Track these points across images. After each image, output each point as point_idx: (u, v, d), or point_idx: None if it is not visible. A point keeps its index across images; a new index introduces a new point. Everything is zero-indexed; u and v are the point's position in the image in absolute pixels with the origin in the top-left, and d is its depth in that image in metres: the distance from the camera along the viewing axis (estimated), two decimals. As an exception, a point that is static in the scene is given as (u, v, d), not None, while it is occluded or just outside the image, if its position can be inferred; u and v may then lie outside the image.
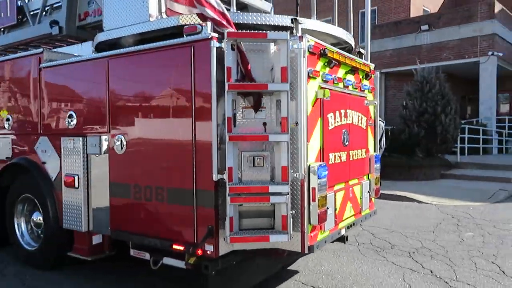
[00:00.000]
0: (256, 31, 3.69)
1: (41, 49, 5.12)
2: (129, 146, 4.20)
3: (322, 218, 3.83)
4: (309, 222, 3.78)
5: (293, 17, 3.85)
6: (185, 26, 3.76)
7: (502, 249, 6.14)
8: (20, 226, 5.64)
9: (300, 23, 3.82)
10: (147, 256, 4.19)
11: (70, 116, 4.74)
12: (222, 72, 3.56)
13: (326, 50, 3.93)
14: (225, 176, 3.55)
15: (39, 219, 5.48)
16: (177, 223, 3.89)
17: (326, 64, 4.05)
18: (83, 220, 4.63)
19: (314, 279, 5.02)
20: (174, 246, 3.87)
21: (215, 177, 3.56)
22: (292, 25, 3.85)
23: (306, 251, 3.79)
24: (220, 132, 3.58)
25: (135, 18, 4.21)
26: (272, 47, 3.78)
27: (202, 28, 3.64)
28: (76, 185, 4.64)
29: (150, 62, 4.02)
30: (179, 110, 3.84)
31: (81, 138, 4.60)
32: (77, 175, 4.64)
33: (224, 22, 3.72)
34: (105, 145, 4.40)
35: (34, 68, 5.12)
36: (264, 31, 3.64)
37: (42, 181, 5.07)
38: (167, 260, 4.06)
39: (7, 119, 5.53)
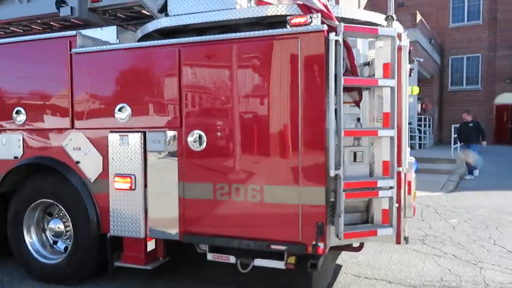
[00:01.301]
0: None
1: (73, 32, 4.44)
2: (210, 142, 3.87)
3: (415, 210, 3.97)
4: (404, 215, 3.90)
5: (389, 14, 3.90)
6: (289, 16, 3.60)
7: (492, 232, 6.92)
8: (31, 237, 4.84)
9: (394, 20, 3.91)
10: (231, 259, 3.94)
11: (122, 109, 4.20)
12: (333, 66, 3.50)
13: (412, 48, 4.08)
14: (340, 172, 3.50)
15: (59, 227, 4.80)
16: (276, 222, 3.71)
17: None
18: (141, 225, 4.16)
19: (362, 271, 5.16)
20: (273, 246, 3.70)
21: (332, 172, 3.48)
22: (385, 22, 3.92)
23: (403, 242, 3.90)
24: (336, 127, 3.51)
25: (218, 4, 3.89)
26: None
27: (311, 20, 3.53)
28: (133, 186, 4.14)
29: (240, 52, 3.76)
30: (280, 104, 3.66)
31: (139, 134, 4.12)
32: (134, 175, 4.14)
33: (331, 15, 3.64)
34: (173, 141, 4.01)
35: (63, 53, 4.42)
36: (375, 27, 3.65)
37: (75, 183, 4.41)
38: (260, 262, 3.86)
39: (17, 112, 4.69)
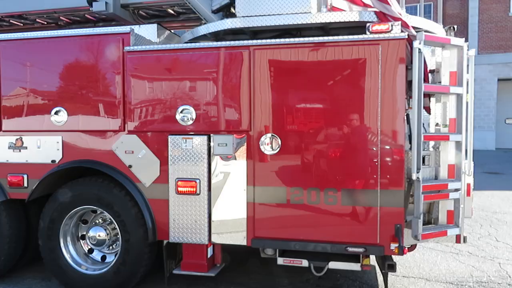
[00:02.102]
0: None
1: (127, 28, 4.20)
2: (285, 146, 3.86)
3: (472, 211, 4.20)
4: (464, 216, 4.11)
5: (451, 25, 4.11)
6: (370, 23, 3.69)
7: (489, 230, 7.45)
8: (68, 246, 4.52)
9: (455, 30, 4.13)
10: (304, 263, 3.94)
11: (184, 111, 4.05)
12: (410, 74, 3.64)
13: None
14: (420, 175, 3.64)
15: (99, 236, 4.52)
16: (353, 225, 3.77)
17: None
18: (206, 231, 4.03)
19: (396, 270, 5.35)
20: (351, 249, 3.76)
21: (415, 176, 3.61)
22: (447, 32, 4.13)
23: (462, 242, 4.11)
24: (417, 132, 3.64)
25: (293, 7, 3.88)
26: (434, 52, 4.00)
27: (392, 27, 3.64)
28: (197, 191, 4.01)
29: (317, 55, 3.78)
30: (359, 108, 3.73)
31: (205, 137, 4.00)
32: (198, 179, 4.01)
33: (408, 24, 3.78)
34: (241, 145, 3.94)
35: (116, 51, 4.18)
36: (447, 37, 3.84)
37: (128, 188, 4.19)
38: (335, 265, 3.89)
39: (57, 112, 4.36)
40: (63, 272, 4.46)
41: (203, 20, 5.83)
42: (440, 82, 3.95)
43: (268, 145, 3.88)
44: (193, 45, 4.13)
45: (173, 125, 4.09)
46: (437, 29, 4.28)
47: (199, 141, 4.01)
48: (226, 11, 4.42)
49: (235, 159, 3.97)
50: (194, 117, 4.04)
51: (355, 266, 3.87)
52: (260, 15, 3.95)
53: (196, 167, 4.02)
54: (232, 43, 3.96)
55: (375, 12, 3.83)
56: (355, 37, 3.71)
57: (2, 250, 4.62)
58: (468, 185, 4.11)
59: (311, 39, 3.78)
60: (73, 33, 4.39)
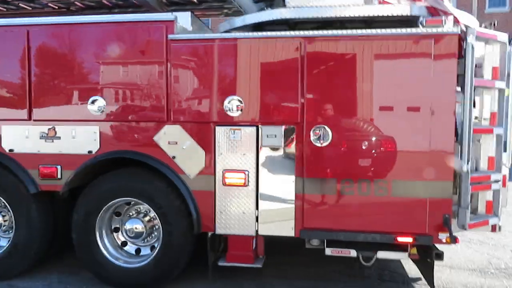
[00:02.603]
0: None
1: (171, 15, 4.09)
2: (335, 138, 3.88)
3: (507, 202, 4.38)
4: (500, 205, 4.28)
5: (491, 21, 4.22)
6: (424, 18, 3.74)
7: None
8: (104, 240, 4.41)
9: (495, 26, 4.25)
10: (352, 253, 4.00)
11: (231, 102, 4.00)
12: (462, 68, 3.74)
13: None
14: (469, 167, 3.76)
15: (136, 228, 4.42)
16: (403, 216, 3.86)
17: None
18: (253, 223, 4.03)
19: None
20: (400, 239, 3.84)
21: (465, 167, 3.72)
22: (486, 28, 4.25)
23: (498, 231, 4.28)
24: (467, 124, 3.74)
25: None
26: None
27: (445, 22, 3.71)
28: (246, 182, 3.99)
29: (370, 48, 3.79)
30: (410, 100, 3.79)
31: (253, 128, 3.97)
32: (247, 171, 3.99)
33: (458, 19, 3.86)
34: (291, 136, 3.94)
35: (159, 39, 4.06)
36: (494, 33, 3.94)
37: (172, 179, 4.11)
38: (383, 254, 3.97)
39: (93, 101, 4.20)
40: (100, 265, 4.35)
41: (225, 10, 5.74)
42: (482, 77, 4.06)
43: (319, 137, 3.89)
44: (241, 35, 4.05)
45: (220, 115, 4.03)
46: (476, 24, 4.39)
47: (248, 132, 3.98)
48: (268, 1, 4.36)
49: (284, 150, 3.97)
50: (242, 107, 4.00)
51: (402, 255, 3.97)
52: (311, 6, 3.93)
53: (244, 158, 3.99)
54: (285, 33, 3.92)
55: (426, 7, 3.89)
56: (409, 30, 3.75)
57: (32, 244, 4.45)
58: (504, 176, 4.27)
59: (365, 31, 3.80)
60: (113, 19, 4.25)
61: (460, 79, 3.76)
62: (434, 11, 3.85)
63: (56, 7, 6.23)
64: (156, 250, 4.28)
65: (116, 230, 4.49)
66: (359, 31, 3.82)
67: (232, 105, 4.01)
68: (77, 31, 4.22)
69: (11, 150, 4.39)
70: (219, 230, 4.09)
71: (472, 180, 3.80)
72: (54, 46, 4.27)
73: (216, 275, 4.32)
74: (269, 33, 3.97)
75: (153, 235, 4.46)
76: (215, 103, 4.04)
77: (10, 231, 4.60)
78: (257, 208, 4.04)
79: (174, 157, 4.14)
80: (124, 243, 4.54)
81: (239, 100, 3.99)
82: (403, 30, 3.76)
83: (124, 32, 4.16)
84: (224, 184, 4.03)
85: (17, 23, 4.34)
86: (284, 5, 4.01)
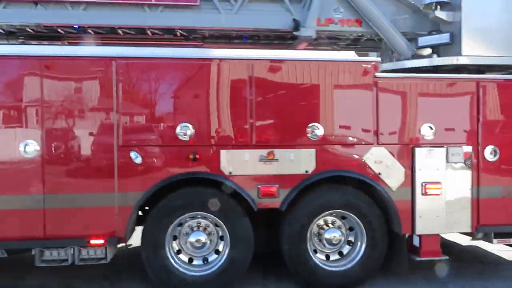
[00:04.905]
0: None
1: (378, 58, 4.99)
2: (502, 155, 5.15)
3: None
4: None
5: None
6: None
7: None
8: (313, 249, 5.06)
9: None
10: (512, 241, 5.30)
11: (426, 128, 5.04)
12: None
13: None
14: None
15: (334, 236, 5.12)
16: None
17: None
18: (443, 223, 5.07)
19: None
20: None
21: None
22: None
23: None
24: None
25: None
26: None
27: None
28: (440, 192, 5.03)
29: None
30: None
31: (444, 148, 5.05)
32: (440, 182, 5.04)
33: None
34: (469, 154, 5.12)
35: (368, 77, 4.93)
36: None
37: (379, 192, 4.97)
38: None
39: (312, 128, 4.86)
40: (313, 272, 4.95)
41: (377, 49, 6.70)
42: None
43: (491, 154, 5.13)
44: (433, 75, 5.15)
45: (417, 139, 5.04)
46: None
47: (440, 152, 5.04)
48: (434, 48, 5.51)
49: (463, 165, 5.11)
50: (435, 132, 5.05)
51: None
52: (485, 56, 5.20)
53: (438, 173, 5.04)
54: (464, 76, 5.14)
55: None
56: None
57: (248, 258, 4.85)
58: None
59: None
60: (330, 57, 4.98)
61: None
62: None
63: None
64: (362, 252, 5.04)
65: (320, 238, 5.13)
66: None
67: (427, 130, 5.04)
68: (295, 67, 4.85)
69: (230, 173, 4.78)
70: (419, 231, 5.03)
71: None
72: (272, 79, 4.83)
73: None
74: (450, 75, 5.20)
75: (348, 246, 5.15)
76: (414, 129, 5.04)
77: (203, 249, 4.93)
78: (444, 211, 5.11)
79: (379, 174, 5.00)
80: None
81: (433, 127, 5.04)
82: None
83: (330, 69, 4.91)
84: (423, 193, 5.01)
85: (241, 56, 4.81)
86: (460, 54, 5.22)
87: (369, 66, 4.96)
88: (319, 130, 4.89)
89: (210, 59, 4.77)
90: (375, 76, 4.96)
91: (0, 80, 4.50)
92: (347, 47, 6.78)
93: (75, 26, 6.22)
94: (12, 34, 6.41)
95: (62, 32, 6.33)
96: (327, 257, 5.19)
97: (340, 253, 5.17)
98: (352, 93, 4.97)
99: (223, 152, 4.77)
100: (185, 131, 4.68)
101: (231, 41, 6.65)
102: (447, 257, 5.22)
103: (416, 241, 5.16)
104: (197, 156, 4.67)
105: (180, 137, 4.68)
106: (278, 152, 4.84)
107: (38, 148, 4.47)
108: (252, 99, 4.78)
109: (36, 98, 4.49)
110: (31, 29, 6.20)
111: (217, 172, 4.76)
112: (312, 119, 4.88)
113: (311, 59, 4.92)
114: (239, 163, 4.79)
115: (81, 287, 5.20)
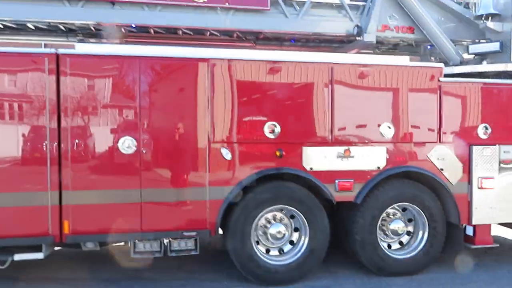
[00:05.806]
0: None
1: (441, 64, 5.45)
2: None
3: None
4: None
5: None
6: None
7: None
8: (385, 238, 5.52)
9: None
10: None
11: (482, 128, 5.57)
12: None
13: None
14: None
15: (398, 227, 5.58)
16: None
17: None
18: (496, 214, 5.63)
19: None
20: None
21: None
22: None
23: None
24: None
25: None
26: None
27: None
28: (492, 186, 5.58)
29: None
30: None
31: (497, 146, 5.60)
32: (493, 177, 5.58)
33: None
34: (518, 152, 5.70)
35: (433, 81, 5.40)
36: None
37: (442, 186, 5.46)
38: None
39: (386, 128, 5.29)
40: (382, 260, 5.39)
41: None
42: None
43: (538, 151, 5.73)
44: (488, 80, 5.70)
45: (474, 138, 5.56)
46: None
47: (494, 149, 5.58)
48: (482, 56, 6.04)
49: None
50: (490, 132, 5.58)
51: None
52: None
53: (492, 169, 5.58)
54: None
55: None
56: None
57: (325, 247, 5.24)
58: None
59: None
60: (395, 63, 5.41)
61: None
62: None
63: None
64: (424, 243, 5.52)
65: (383, 230, 5.57)
66: None
67: (483, 130, 5.56)
68: (373, 71, 5.26)
69: (311, 168, 5.13)
70: (475, 222, 5.57)
71: None
72: (350, 83, 5.21)
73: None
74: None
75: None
76: (470, 129, 5.55)
77: (281, 239, 5.27)
78: (497, 203, 5.66)
79: (442, 170, 5.49)
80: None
81: (485, 128, 5.57)
82: None
83: (408, 74, 5.36)
84: (479, 187, 5.55)
85: (322, 60, 5.16)
86: (509, 61, 5.77)
87: (435, 71, 5.43)
88: (390, 130, 5.32)
89: (297, 62, 5.10)
90: (439, 81, 5.44)
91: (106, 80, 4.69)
92: (387, 52, 7.24)
93: (133, 25, 6.41)
94: (72, 32, 6.51)
95: (123, 31, 6.47)
96: (389, 246, 5.65)
97: (400, 243, 5.65)
98: (419, 96, 5.43)
99: (305, 149, 5.12)
100: (272, 129, 5.00)
101: (282, 43, 6.97)
102: (497, 245, 5.79)
103: (469, 231, 5.70)
104: (283, 153, 5.01)
105: (267, 135, 5.00)
106: (353, 149, 5.24)
107: (135, 145, 4.69)
108: (332, 101, 5.15)
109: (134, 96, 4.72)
110: (93, 27, 6.33)
111: (300, 167, 5.11)
112: (384, 119, 5.31)
113: (387, 64, 5.35)
114: (319, 160, 5.16)
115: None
